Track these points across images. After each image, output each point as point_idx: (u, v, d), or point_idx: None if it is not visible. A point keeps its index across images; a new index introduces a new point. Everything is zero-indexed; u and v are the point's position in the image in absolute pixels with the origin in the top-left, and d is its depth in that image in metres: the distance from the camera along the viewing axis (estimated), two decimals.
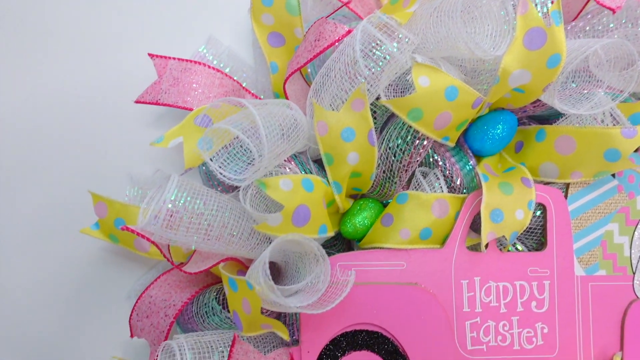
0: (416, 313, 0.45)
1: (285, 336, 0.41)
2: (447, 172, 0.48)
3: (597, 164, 0.44)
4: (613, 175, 0.47)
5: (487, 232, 0.43)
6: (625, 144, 0.43)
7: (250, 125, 0.39)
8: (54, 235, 0.57)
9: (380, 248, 0.46)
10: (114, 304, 0.56)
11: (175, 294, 0.50)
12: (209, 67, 0.51)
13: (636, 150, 0.47)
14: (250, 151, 0.42)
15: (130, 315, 0.52)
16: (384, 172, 0.46)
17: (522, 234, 0.48)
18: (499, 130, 0.48)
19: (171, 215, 0.42)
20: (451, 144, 0.47)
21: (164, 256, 0.44)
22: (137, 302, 0.51)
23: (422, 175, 0.47)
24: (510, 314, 0.46)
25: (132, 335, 0.53)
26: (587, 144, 0.44)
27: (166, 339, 0.49)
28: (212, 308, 0.48)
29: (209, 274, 0.52)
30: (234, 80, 0.52)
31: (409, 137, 0.45)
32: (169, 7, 0.57)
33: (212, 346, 0.44)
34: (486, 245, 0.46)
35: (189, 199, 0.43)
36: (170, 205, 0.42)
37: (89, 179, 0.56)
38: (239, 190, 0.43)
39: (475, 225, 0.48)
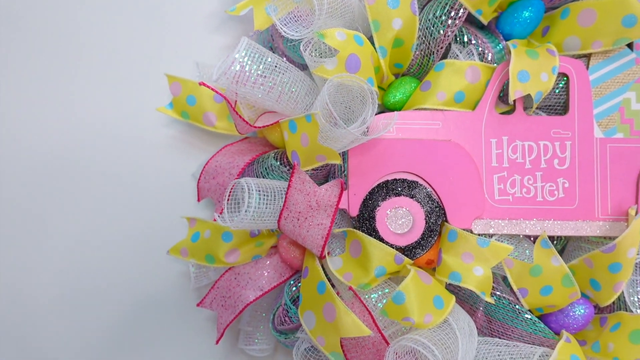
0: (450, 164, 0.51)
1: (339, 161, 0.48)
2: (480, 49, 0.54)
3: (616, 31, 0.50)
4: (631, 48, 0.52)
5: (515, 90, 0.49)
6: None
7: None
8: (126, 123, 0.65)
9: (419, 110, 0.53)
10: (180, 184, 0.65)
11: (238, 158, 0.58)
12: None
13: None
14: (305, 19, 0.50)
15: (199, 179, 0.60)
16: (423, 43, 0.53)
17: (544, 108, 0.54)
18: (527, 14, 0.54)
19: (240, 71, 0.50)
20: (484, 20, 0.53)
21: (231, 109, 0.51)
22: (204, 167, 0.59)
23: (459, 50, 0.54)
24: (534, 169, 0.52)
25: (199, 199, 0.61)
26: (606, 13, 0.49)
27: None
28: (271, 165, 0.55)
29: (267, 145, 0.60)
30: None
31: (447, 8, 0.51)
32: None
33: (274, 187, 0.51)
34: (514, 104, 0.52)
35: (256, 56, 0.50)
36: (240, 60, 0.49)
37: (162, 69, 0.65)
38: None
39: (504, 98, 0.54)
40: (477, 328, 0.52)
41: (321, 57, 0.49)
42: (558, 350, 0.46)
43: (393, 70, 0.56)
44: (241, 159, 0.57)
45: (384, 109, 0.56)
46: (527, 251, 0.53)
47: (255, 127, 0.53)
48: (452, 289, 0.53)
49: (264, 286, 0.56)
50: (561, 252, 0.56)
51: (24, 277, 0.65)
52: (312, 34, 0.48)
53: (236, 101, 0.55)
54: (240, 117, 0.52)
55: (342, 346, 0.49)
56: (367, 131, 0.49)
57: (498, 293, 0.50)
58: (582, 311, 0.51)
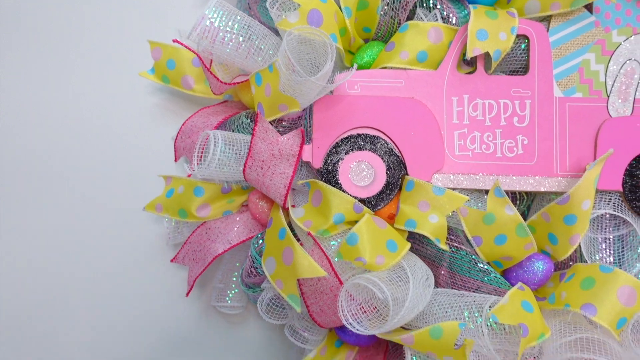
0: (411, 120, 0.53)
1: (297, 108, 0.50)
2: (445, 14, 0.56)
3: None
4: (590, 11, 0.54)
5: (473, 47, 0.51)
6: None
7: None
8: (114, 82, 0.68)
9: (383, 68, 0.54)
10: (161, 149, 0.67)
11: (212, 117, 0.60)
12: None
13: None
14: None
15: (176, 139, 0.62)
16: (387, 5, 0.55)
17: (508, 73, 0.55)
18: None
19: (210, 27, 0.52)
20: None
21: (205, 68, 0.54)
22: (181, 127, 0.62)
23: (424, 14, 0.56)
24: (494, 126, 0.53)
25: (176, 159, 0.63)
26: None
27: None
28: (242, 122, 0.57)
29: (242, 108, 0.62)
30: None
31: None
32: None
33: (240, 139, 0.54)
34: (475, 63, 0.53)
35: (226, 13, 0.53)
36: (210, 16, 0.52)
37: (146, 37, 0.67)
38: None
39: (467, 61, 0.56)
40: (441, 286, 0.53)
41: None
42: (509, 296, 0.47)
43: (362, 35, 0.58)
44: (215, 119, 0.60)
45: None
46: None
47: (227, 84, 0.55)
48: (416, 247, 0.54)
49: (232, 239, 0.58)
50: (525, 215, 0.57)
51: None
52: None
53: (211, 61, 0.57)
54: (213, 75, 0.55)
55: (302, 293, 0.50)
56: (332, 83, 0.51)
57: (456, 244, 0.51)
58: (541, 266, 0.52)
